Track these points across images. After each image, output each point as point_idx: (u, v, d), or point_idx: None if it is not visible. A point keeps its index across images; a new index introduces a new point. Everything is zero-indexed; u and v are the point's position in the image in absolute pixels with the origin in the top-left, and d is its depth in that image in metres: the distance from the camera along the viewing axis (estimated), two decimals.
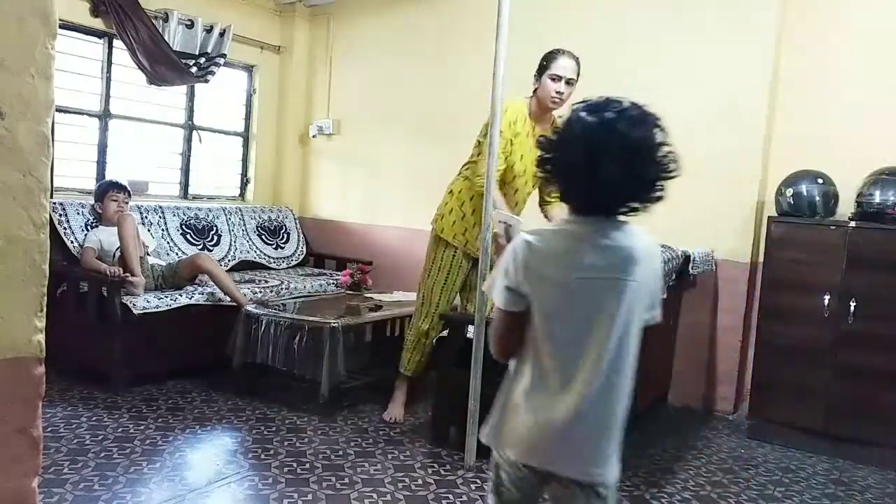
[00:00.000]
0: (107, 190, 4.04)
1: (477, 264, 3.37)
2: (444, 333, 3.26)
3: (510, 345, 1.46)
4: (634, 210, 1.37)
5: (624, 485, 2.83)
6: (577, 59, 3.07)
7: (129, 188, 4.13)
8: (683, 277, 3.60)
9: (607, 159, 1.30)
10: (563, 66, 3.02)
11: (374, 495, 2.60)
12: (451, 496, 2.64)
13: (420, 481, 2.76)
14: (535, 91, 3.14)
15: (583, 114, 1.36)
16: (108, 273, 3.62)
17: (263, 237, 5.16)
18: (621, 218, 1.40)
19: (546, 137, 1.43)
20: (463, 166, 3.38)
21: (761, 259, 3.71)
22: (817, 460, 3.32)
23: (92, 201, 4.10)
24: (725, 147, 3.80)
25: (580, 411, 1.36)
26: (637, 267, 1.39)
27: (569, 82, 3.06)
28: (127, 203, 4.08)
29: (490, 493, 1.52)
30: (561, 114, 2.82)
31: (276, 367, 3.53)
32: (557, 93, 3.03)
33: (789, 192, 3.49)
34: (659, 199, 1.37)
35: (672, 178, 1.36)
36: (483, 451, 2.91)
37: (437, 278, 3.36)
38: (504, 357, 1.48)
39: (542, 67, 3.09)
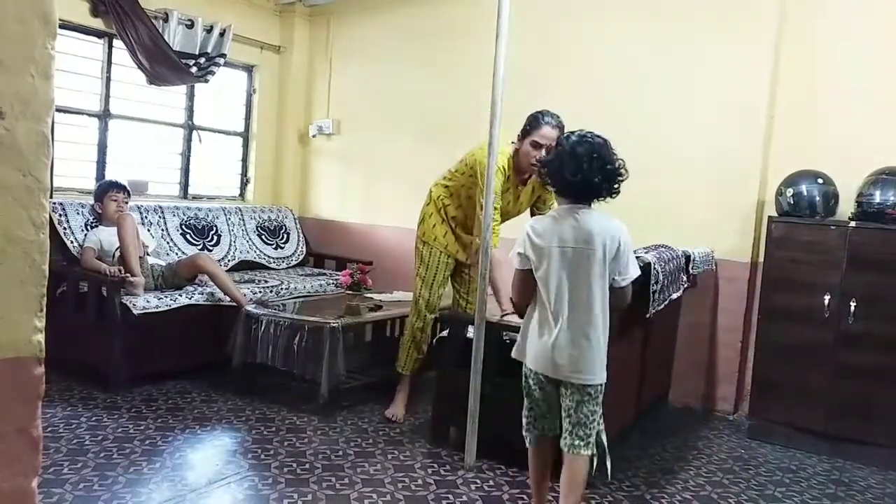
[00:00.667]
0: (106, 190, 4.04)
1: (462, 263, 3.44)
2: (444, 333, 3.26)
3: (525, 294, 2.22)
4: (600, 198, 2.15)
5: (624, 485, 2.83)
6: (560, 126, 3.09)
7: (128, 188, 4.13)
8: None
9: (583, 162, 2.08)
10: (544, 135, 3.06)
11: (374, 495, 2.60)
12: (451, 496, 2.64)
13: (420, 481, 2.76)
14: (517, 148, 3.20)
15: (569, 138, 2.16)
16: (107, 273, 3.62)
17: (263, 237, 5.16)
18: (593, 205, 2.17)
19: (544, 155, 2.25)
20: (443, 176, 3.46)
21: (761, 259, 3.71)
22: (817, 460, 3.32)
23: (92, 201, 4.10)
24: (725, 147, 3.81)
25: (565, 337, 2.14)
26: (597, 240, 2.11)
27: (548, 149, 3.08)
28: (127, 203, 4.08)
29: (525, 395, 2.28)
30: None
31: (276, 367, 3.53)
32: (538, 160, 3.04)
33: (789, 192, 3.49)
34: (616, 193, 2.15)
35: (623, 180, 2.13)
36: (483, 452, 2.93)
37: (424, 276, 3.43)
38: (523, 303, 2.25)
39: (526, 132, 3.13)
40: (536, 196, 3.35)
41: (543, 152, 3.06)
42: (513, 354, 2.30)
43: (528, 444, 2.34)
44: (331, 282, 4.71)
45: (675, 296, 3.24)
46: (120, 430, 3.08)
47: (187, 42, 4.71)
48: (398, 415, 3.43)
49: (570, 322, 2.13)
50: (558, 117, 3.12)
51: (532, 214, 3.35)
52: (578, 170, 2.08)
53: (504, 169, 3.15)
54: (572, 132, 2.19)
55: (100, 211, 4.02)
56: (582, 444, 2.18)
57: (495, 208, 3.01)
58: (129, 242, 3.72)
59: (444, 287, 3.48)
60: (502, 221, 3.29)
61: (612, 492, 2.79)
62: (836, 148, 3.59)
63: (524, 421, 2.33)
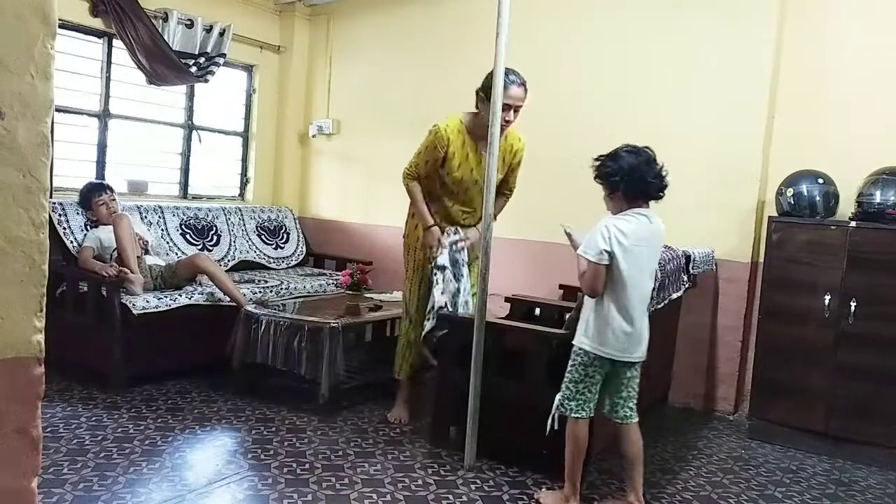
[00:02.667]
0: (90, 196, 3.99)
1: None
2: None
3: (599, 286, 2.41)
4: (655, 199, 2.46)
5: (623, 485, 2.83)
6: (525, 85, 3.09)
7: (109, 185, 4.10)
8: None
9: (645, 169, 2.40)
10: (513, 96, 3.04)
11: (374, 495, 2.60)
12: (451, 496, 2.64)
13: (420, 481, 2.75)
14: (475, 111, 3.19)
15: (626, 150, 2.45)
16: (103, 273, 3.61)
17: (263, 237, 5.16)
18: (651, 206, 2.48)
19: (602, 163, 2.46)
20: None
21: (761, 259, 3.71)
22: (817, 460, 3.31)
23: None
24: (725, 147, 3.81)
25: (641, 323, 2.47)
26: (659, 237, 2.51)
27: (516, 109, 3.10)
28: (114, 200, 4.03)
29: (579, 381, 2.48)
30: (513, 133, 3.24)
31: (276, 367, 3.53)
32: (507, 121, 3.08)
33: (789, 192, 3.48)
34: (663, 196, 2.47)
35: (667, 185, 2.45)
36: (483, 452, 2.93)
37: (413, 279, 3.38)
38: (594, 295, 2.44)
39: (490, 91, 3.08)
40: (506, 169, 3.32)
41: (512, 114, 3.08)
42: (585, 345, 2.47)
43: (567, 433, 2.51)
44: (331, 282, 4.71)
45: (675, 296, 3.24)
46: (120, 430, 3.08)
47: (187, 42, 4.71)
48: (401, 418, 3.41)
49: (642, 310, 2.47)
50: (522, 76, 3.09)
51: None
52: (658, 175, 2.41)
53: (448, 134, 3.14)
54: (627, 145, 2.46)
55: (93, 218, 4.00)
56: (633, 413, 2.54)
57: (452, 184, 3.05)
58: (125, 242, 3.71)
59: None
60: (464, 196, 3.27)
61: (613, 492, 2.79)
62: (836, 148, 3.59)
63: (572, 405, 2.49)
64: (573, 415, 2.49)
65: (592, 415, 2.51)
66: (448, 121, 3.22)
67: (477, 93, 3.15)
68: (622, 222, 2.40)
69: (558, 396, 2.52)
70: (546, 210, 4.32)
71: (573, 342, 2.53)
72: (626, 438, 2.53)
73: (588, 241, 2.42)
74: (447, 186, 3.27)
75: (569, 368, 2.52)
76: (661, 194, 2.45)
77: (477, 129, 3.17)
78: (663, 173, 2.43)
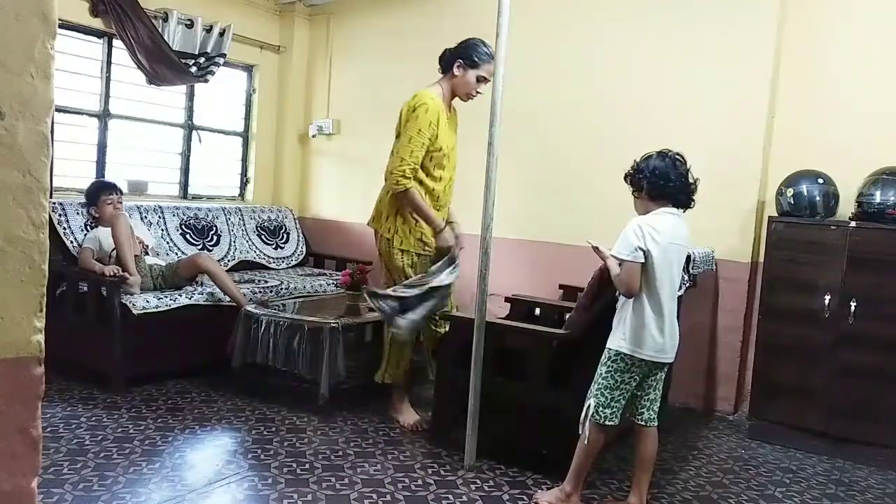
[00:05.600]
0: (98, 193, 3.99)
1: (433, 261, 3.28)
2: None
3: (636, 284, 2.39)
4: (683, 206, 2.51)
5: (624, 485, 2.83)
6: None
7: (119, 187, 4.11)
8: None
9: (670, 171, 2.45)
10: (490, 71, 3.10)
11: (374, 495, 2.60)
12: (450, 496, 2.64)
13: (420, 481, 2.75)
14: (451, 76, 3.25)
15: (655, 154, 2.51)
16: (104, 273, 3.61)
17: (263, 237, 5.16)
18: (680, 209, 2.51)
19: (633, 165, 2.53)
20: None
21: (761, 259, 3.71)
22: (817, 460, 3.32)
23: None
24: (725, 147, 3.80)
25: (673, 324, 2.46)
26: (686, 238, 2.52)
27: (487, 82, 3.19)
28: (121, 203, 4.06)
29: (615, 388, 2.44)
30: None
31: (276, 367, 3.53)
32: (478, 92, 3.23)
33: (789, 192, 3.48)
34: (692, 203, 2.53)
35: (695, 190, 2.51)
36: (483, 452, 2.93)
37: (401, 282, 3.28)
38: (632, 295, 2.41)
39: (473, 62, 3.19)
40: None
41: (484, 86, 3.18)
42: (624, 349, 2.43)
43: (590, 435, 2.46)
44: (331, 282, 4.70)
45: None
46: (120, 430, 3.08)
47: (187, 42, 4.71)
48: (414, 421, 3.33)
49: (672, 310, 2.46)
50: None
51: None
52: (681, 175, 2.46)
53: (432, 124, 3.14)
54: (658, 153, 2.51)
55: (96, 215, 4.00)
56: (656, 416, 2.55)
57: (439, 157, 3.15)
58: (123, 243, 3.71)
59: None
60: (442, 170, 3.26)
61: (613, 492, 2.79)
62: (836, 148, 3.59)
63: (607, 412, 2.45)
64: (607, 422, 2.45)
65: (620, 422, 2.48)
66: (425, 94, 3.20)
67: (454, 59, 3.23)
68: (653, 219, 2.43)
69: (592, 402, 2.47)
70: (546, 210, 4.33)
71: (608, 345, 2.48)
72: (643, 441, 2.53)
73: (620, 241, 2.43)
74: (435, 160, 3.23)
75: (603, 374, 2.47)
76: (689, 199, 2.49)
77: (447, 94, 3.28)
78: (690, 178, 2.47)
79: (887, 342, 3.22)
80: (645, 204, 2.49)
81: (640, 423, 2.52)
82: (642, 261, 2.38)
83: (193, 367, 3.85)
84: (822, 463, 3.29)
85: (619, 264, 2.41)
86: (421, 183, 3.24)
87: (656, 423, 2.53)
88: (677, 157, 2.49)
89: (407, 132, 3.16)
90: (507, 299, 3.82)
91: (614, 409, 2.45)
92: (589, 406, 2.47)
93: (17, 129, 1.01)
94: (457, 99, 3.36)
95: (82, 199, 4.13)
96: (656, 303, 2.41)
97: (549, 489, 2.69)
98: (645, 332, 2.41)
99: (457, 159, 3.42)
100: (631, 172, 2.52)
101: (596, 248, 2.51)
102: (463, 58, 3.20)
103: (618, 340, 2.46)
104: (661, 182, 2.44)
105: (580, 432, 2.49)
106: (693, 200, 2.51)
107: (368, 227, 3.50)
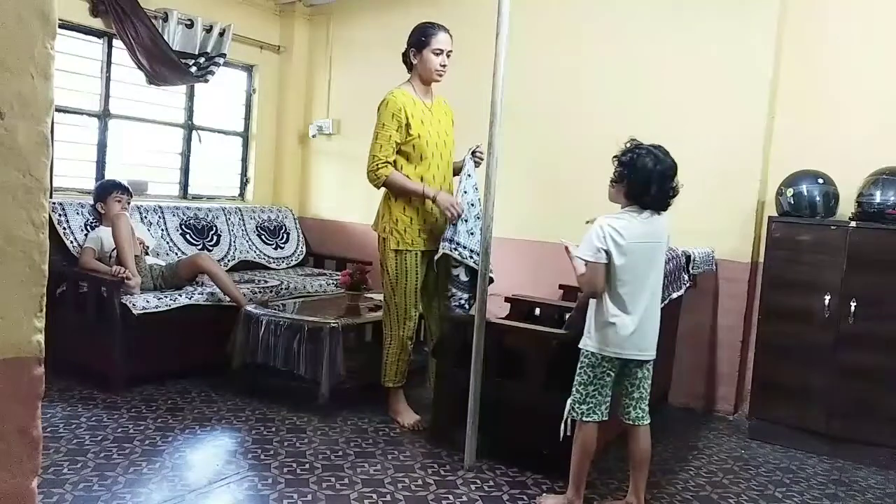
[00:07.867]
0: (111, 191, 4.01)
1: (432, 262, 3.34)
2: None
3: (600, 284, 2.41)
4: (654, 210, 2.44)
5: (624, 485, 2.83)
6: (449, 32, 3.23)
7: (130, 190, 4.12)
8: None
9: (655, 179, 2.38)
10: (443, 41, 3.19)
11: (374, 496, 2.60)
12: (450, 496, 2.64)
13: (420, 481, 2.75)
14: (414, 68, 3.28)
15: (650, 152, 2.40)
16: (113, 274, 3.61)
17: (263, 237, 5.15)
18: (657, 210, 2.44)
19: (627, 149, 2.43)
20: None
21: (761, 259, 3.71)
22: (817, 460, 3.31)
23: (91, 202, 4.08)
24: (725, 147, 3.80)
25: (641, 323, 2.42)
26: (661, 233, 2.48)
27: (448, 54, 3.23)
28: (129, 205, 4.08)
29: (588, 383, 2.47)
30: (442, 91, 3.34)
31: (276, 367, 3.53)
32: (442, 66, 3.23)
33: (789, 192, 3.48)
34: (664, 211, 2.46)
35: (671, 203, 2.45)
36: (483, 452, 2.93)
37: (406, 285, 3.32)
38: (594, 295, 2.45)
39: (422, 43, 3.21)
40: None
41: (444, 57, 3.21)
42: (589, 346, 2.47)
43: (577, 433, 2.49)
44: (331, 282, 4.70)
45: (675, 295, 3.24)
46: (120, 430, 3.08)
47: (187, 42, 4.71)
48: (414, 421, 3.34)
49: (648, 308, 2.44)
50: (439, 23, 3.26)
51: None
52: (663, 191, 2.39)
53: (396, 114, 3.16)
54: (657, 147, 2.42)
55: (102, 211, 4.00)
56: (645, 414, 2.53)
57: (417, 147, 3.16)
58: (124, 243, 3.71)
59: (418, 292, 3.39)
60: (431, 160, 3.26)
61: (612, 492, 2.79)
62: (836, 148, 3.59)
63: (583, 408, 2.48)
64: (584, 418, 2.47)
65: (606, 418, 2.49)
66: (389, 92, 3.25)
67: (407, 52, 3.28)
68: (615, 220, 2.42)
69: (569, 401, 2.51)
70: (546, 210, 4.33)
71: (579, 345, 2.52)
72: (635, 440, 2.53)
73: (584, 242, 2.43)
74: (418, 148, 3.23)
75: (577, 371, 2.51)
76: (662, 208, 2.44)
77: (419, 87, 3.30)
78: (671, 192, 2.41)
79: (887, 342, 3.22)
80: (617, 196, 2.47)
81: (628, 422, 2.53)
82: (605, 261, 2.39)
83: (193, 367, 3.84)
84: (822, 463, 3.29)
85: (585, 264, 2.43)
86: (401, 169, 3.27)
87: (647, 422, 2.53)
88: (669, 169, 2.39)
89: (374, 130, 3.26)
90: (507, 299, 3.82)
91: (591, 405, 2.47)
92: (567, 404, 2.51)
93: (18, 129, 1.01)
94: (450, 93, 3.40)
95: (83, 200, 4.14)
96: (620, 301, 2.41)
97: (550, 491, 2.68)
98: (608, 331, 2.42)
99: (452, 155, 3.42)
100: (619, 158, 2.44)
101: (567, 249, 2.54)
102: (412, 45, 3.26)
103: (584, 339, 2.50)
104: (641, 187, 2.39)
105: (562, 431, 2.51)
106: (669, 205, 2.45)
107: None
